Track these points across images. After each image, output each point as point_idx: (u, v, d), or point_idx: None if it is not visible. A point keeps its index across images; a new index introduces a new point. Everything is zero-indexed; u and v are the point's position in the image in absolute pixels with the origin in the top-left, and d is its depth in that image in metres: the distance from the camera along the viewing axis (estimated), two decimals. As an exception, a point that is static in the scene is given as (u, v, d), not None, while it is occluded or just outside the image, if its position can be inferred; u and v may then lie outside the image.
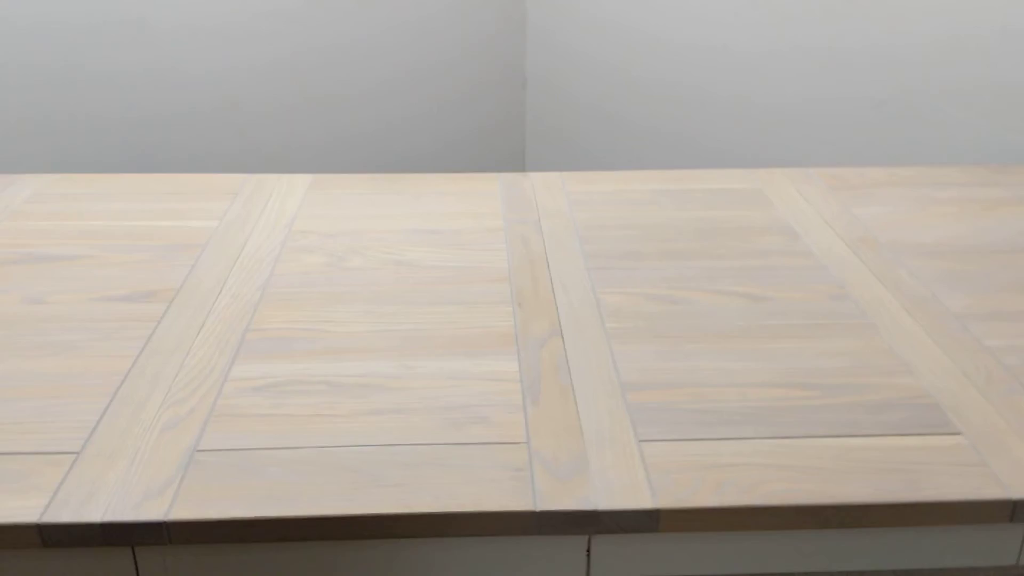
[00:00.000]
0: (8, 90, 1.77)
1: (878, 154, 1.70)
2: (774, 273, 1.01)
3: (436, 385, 0.81)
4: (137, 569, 0.69)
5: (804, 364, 0.84)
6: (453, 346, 0.87)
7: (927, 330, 0.90)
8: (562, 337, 0.89)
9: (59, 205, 1.17)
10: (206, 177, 1.26)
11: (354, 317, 0.92)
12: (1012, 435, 0.75)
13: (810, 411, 0.78)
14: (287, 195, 1.21)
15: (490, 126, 2.37)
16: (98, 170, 1.75)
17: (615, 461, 0.72)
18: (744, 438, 0.74)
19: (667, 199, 1.21)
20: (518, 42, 2.33)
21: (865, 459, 0.72)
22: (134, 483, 0.69)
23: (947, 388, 0.81)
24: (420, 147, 2.26)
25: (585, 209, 1.18)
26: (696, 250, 1.06)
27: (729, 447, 0.73)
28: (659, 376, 0.83)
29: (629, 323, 0.91)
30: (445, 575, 0.71)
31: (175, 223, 1.12)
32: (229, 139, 2.02)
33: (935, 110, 1.62)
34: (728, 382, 0.82)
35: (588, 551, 0.72)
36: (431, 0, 2.17)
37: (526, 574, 0.71)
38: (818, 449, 0.73)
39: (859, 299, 0.96)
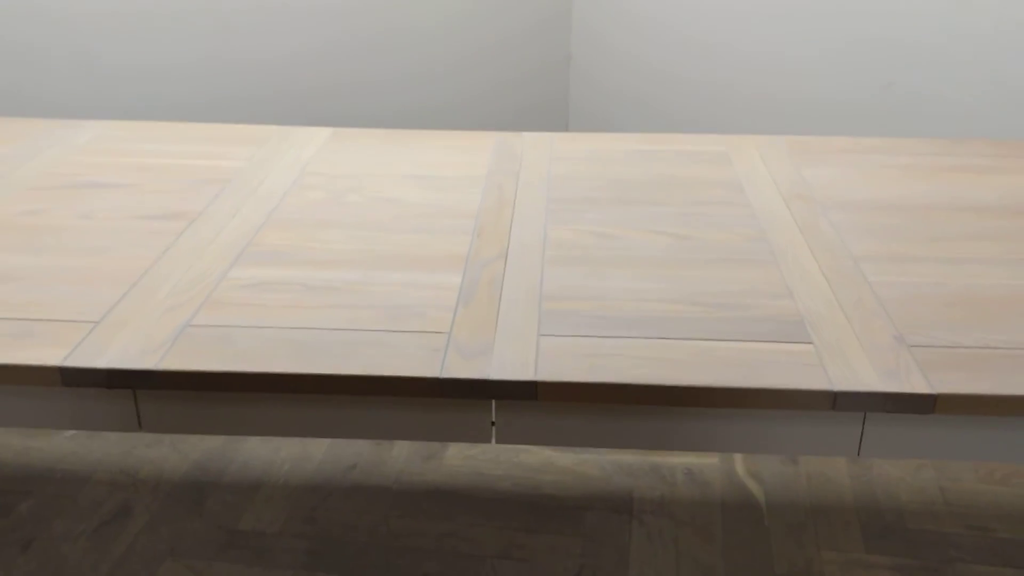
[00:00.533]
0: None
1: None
2: (708, 219, 1.16)
3: (389, 291, 0.99)
4: (137, 409, 0.89)
5: (702, 288, 0.99)
6: (412, 263, 1.05)
7: (821, 267, 1.04)
8: (505, 260, 1.05)
9: (114, 145, 1.38)
10: (240, 127, 1.46)
11: (338, 239, 1.10)
12: (856, 348, 0.89)
13: (692, 322, 0.93)
14: (307, 144, 1.40)
15: (536, 104, 2.54)
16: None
17: (515, 348, 0.88)
18: (628, 337, 0.90)
19: (638, 158, 1.36)
20: (563, 27, 2.49)
21: (721, 357, 0.87)
22: (137, 344, 0.88)
23: (816, 310, 0.95)
24: (467, 125, 2.44)
25: (562, 164, 1.34)
26: (646, 199, 1.22)
27: (612, 343, 0.89)
28: (575, 292, 0.99)
29: (566, 252, 1.07)
30: (367, 433, 0.88)
31: (207, 162, 1.32)
32: (290, 117, 2.23)
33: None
34: (632, 298, 0.97)
35: (493, 421, 0.89)
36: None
37: (443, 435, 0.89)
38: (685, 348, 0.88)
39: (773, 242, 1.10)
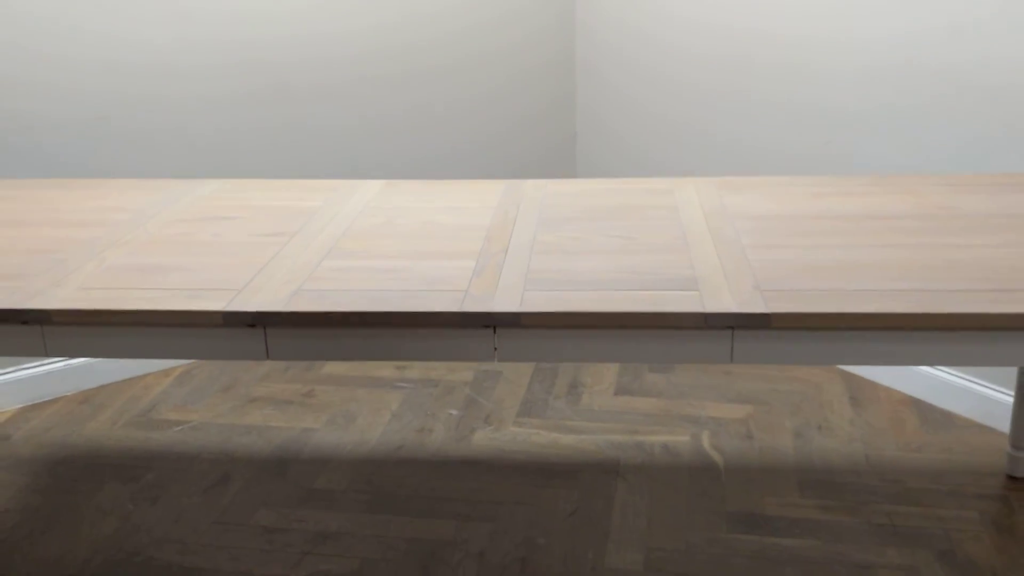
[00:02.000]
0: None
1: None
2: (648, 229, 1.66)
3: (426, 270, 1.49)
4: (266, 344, 1.39)
5: (635, 266, 1.49)
6: (442, 256, 1.55)
7: (718, 253, 1.53)
8: (505, 253, 1.56)
9: (226, 194, 1.92)
10: (321, 181, 2.00)
11: (392, 244, 1.62)
12: (726, 293, 1.38)
13: (624, 281, 1.42)
14: (367, 190, 1.93)
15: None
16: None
17: (509, 298, 1.38)
18: (583, 291, 1.40)
19: (608, 194, 1.87)
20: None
21: (639, 298, 1.36)
22: (267, 300, 1.39)
23: (706, 275, 1.44)
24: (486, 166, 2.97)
25: (552, 198, 1.85)
26: (608, 218, 1.72)
27: (572, 294, 1.39)
28: (551, 269, 1.49)
29: (548, 248, 1.58)
30: (414, 355, 1.38)
31: (295, 203, 1.85)
32: (339, 152, 2.78)
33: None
34: (589, 272, 1.47)
35: (494, 346, 1.38)
36: (502, 73, 2.92)
37: (458, 355, 1.38)
38: (618, 295, 1.38)
39: (690, 239, 1.60)
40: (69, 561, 1.88)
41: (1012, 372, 2.12)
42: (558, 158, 3.21)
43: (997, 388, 2.27)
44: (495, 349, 1.39)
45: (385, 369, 2.64)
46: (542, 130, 3.17)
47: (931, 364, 1.51)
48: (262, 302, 1.39)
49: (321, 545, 1.91)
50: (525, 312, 1.34)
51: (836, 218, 1.68)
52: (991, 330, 1.29)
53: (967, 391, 2.33)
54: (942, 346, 1.31)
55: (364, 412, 2.42)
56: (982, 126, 2.18)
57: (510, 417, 2.39)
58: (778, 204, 1.78)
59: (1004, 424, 2.22)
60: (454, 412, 2.42)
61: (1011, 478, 2.09)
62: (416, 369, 2.64)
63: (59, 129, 2.42)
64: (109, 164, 2.48)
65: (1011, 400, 2.09)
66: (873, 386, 2.50)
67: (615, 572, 1.82)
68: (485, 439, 2.30)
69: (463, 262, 1.53)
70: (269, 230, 1.70)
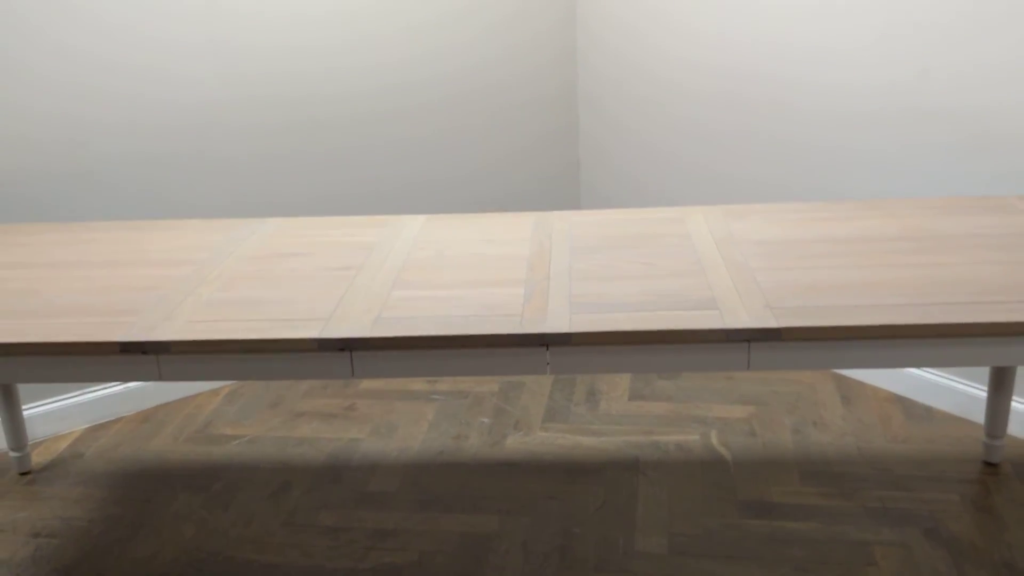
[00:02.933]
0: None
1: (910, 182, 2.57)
2: (665, 255, 1.92)
3: (480, 296, 1.74)
4: (352, 364, 1.64)
5: (660, 289, 1.75)
6: (493, 284, 1.80)
7: (730, 274, 1.79)
8: (548, 279, 1.81)
9: (289, 232, 2.16)
10: (369, 217, 2.24)
11: (445, 275, 1.87)
12: (742, 311, 1.63)
13: (653, 303, 1.68)
14: (413, 225, 2.18)
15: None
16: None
17: (559, 321, 1.63)
18: (619, 312, 1.65)
19: (625, 223, 2.13)
20: (571, 141, 3.30)
21: (668, 317, 1.62)
22: (353, 327, 1.64)
23: (723, 296, 1.70)
24: (497, 192, 3.23)
25: (578, 228, 2.11)
26: (629, 246, 1.98)
27: (609, 315, 1.64)
28: (591, 293, 1.74)
29: (583, 275, 1.83)
30: (478, 371, 1.63)
31: (353, 239, 2.09)
32: (362, 179, 3.03)
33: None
34: (618, 294, 1.72)
35: (547, 361, 1.63)
36: (511, 104, 3.18)
37: (515, 370, 1.63)
38: (649, 315, 1.63)
39: (704, 263, 1.86)
40: (158, 562, 2.11)
41: (986, 370, 2.39)
42: (564, 186, 3.47)
43: (973, 385, 2.54)
44: (547, 364, 1.64)
45: (417, 383, 2.88)
46: (548, 159, 3.43)
47: (918, 366, 1.77)
48: (350, 329, 1.63)
49: (382, 541, 2.15)
50: (575, 332, 1.59)
51: (831, 241, 1.95)
52: (969, 336, 1.55)
53: (947, 388, 2.60)
54: (927, 351, 1.57)
55: (403, 422, 2.67)
56: (946, 157, 2.45)
57: (537, 423, 2.64)
58: (779, 230, 2.04)
59: (980, 416, 2.48)
60: (485, 420, 2.66)
61: (987, 464, 2.36)
62: (446, 382, 2.88)
63: (117, 167, 2.65)
64: (162, 203, 2.72)
65: (985, 395, 2.36)
66: (861, 386, 2.76)
67: (644, 555, 2.07)
68: (516, 443, 2.54)
69: (513, 289, 1.78)
70: (336, 264, 1.94)
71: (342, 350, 1.63)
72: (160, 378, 1.68)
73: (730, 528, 2.15)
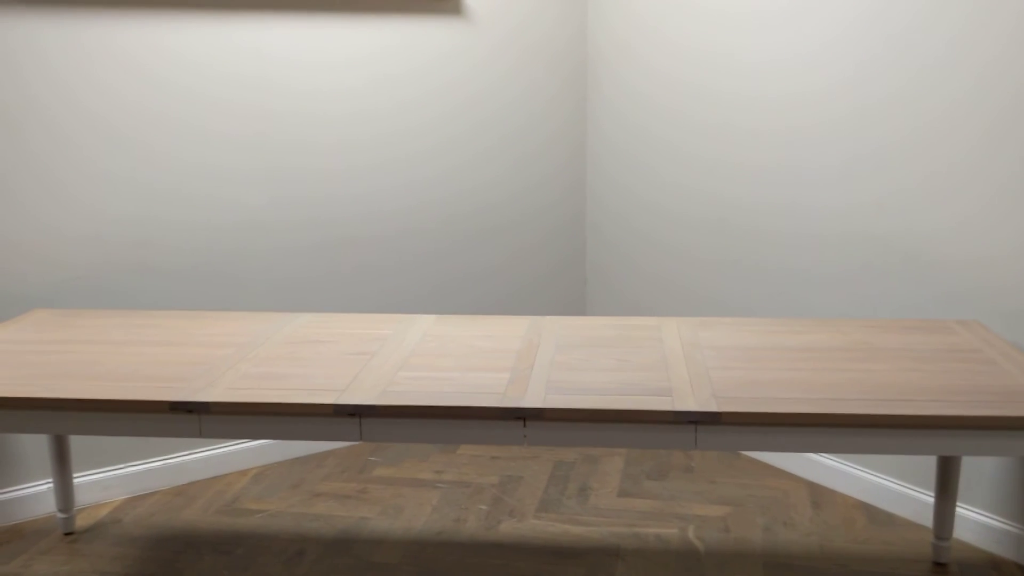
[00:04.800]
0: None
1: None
2: (637, 354, 2.23)
3: (471, 379, 2.06)
4: (361, 429, 1.95)
5: (626, 379, 2.05)
6: (484, 369, 2.12)
7: (688, 370, 2.10)
8: (532, 368, 2.13)
9: (317, 324, 2.51)
10: (387, 315, 2.58)
11: (446, 361, 2.19)
12: (691, 399, 1.93)
13: (617, 390, 1.98)
14: (423, 322, 2.51)
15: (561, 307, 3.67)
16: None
17: (535, 398, 1.94)
18: (589, 395, 1.95)
19: (608, 328, 2.45)
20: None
21: (628, 400, 1.92)
22: (364, 397, 1.95)
23: (678, 386, 2.00)
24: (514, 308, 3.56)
25: (566, 331, 2.43)
26: (608, 346, 2.29)
27: (581, 397, 1.95)
28: (566, 380, 2.05)
29: (562, 366, 2.14)
30: (466, 439, 1.93)
31: (370, 332, 2.43)
32: (389, 288, 3.38)
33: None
34: (592, 383, 2.03)
35: (524, 434, 1.93)
36: (528, 232, 3.56)
37: (498, 440, 1.93)
38: (613, 399, 1.93)
39: (668, 361, 2.16)
40: (182, 611, 2.38)
41: (936, 478, 2.63)
42: (572, 301, 3.82)
43: (932, 494, 2.78)
44: (524, 436, 1.94)
45: (426, 473, 3.17)
46: (559, 278, 3.79)
47: (822, 452, 2.05)
48: (360, 399, 1.95)
49: (381, 602, 2.41)
50: (547, 408, 1.90)
51: (779, 349, 2.25)
52: (867, 427, 1.84)
53: (908, 497, 2.83)
54: (841, 439, 1.85)
55: (410, 505, 2.94)
56: (901, 281, 2.76)
57: (530, 512, 2.90)
58: (739, 338, 2.35)
59: (935, 523, 2.71)
60: (484, 507, 2.93)
61: (936, 564, 2.58)
62: (451, 473, 3.16)
63: (173, 273, 3.03)
64: (212, 299, 3.09)
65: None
66: (832, 492, 3.00)
67: (613, 625, 2.31)
68: (510, 528, 2.80)
69: (500, 374, 2.09)
70: (355, 350, 2.28)
71: (352, 415, 1.94)
72: (200, 435, 2.00)
73: (693, 606, 2.38)
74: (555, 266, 3.79)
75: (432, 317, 2.58)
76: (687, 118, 3.36)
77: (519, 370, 2.12)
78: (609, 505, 2.95)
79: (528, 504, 2.96)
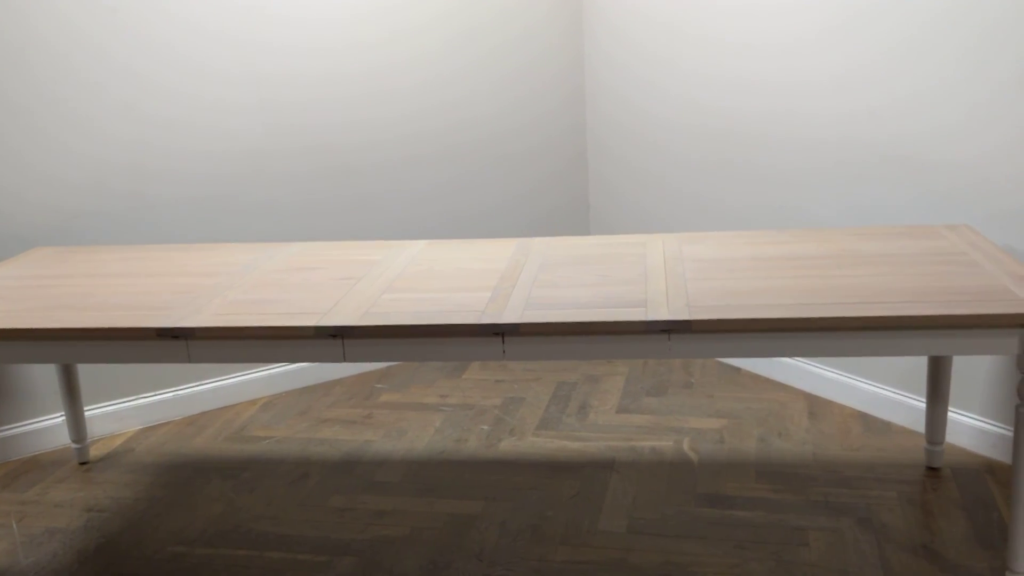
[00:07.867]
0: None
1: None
2: (620, 270, 2.25)
3: (457, 297, 2.09)
4: (344, 350, 1.99)
5: (606, 293, 2.07)
6: (467, 288, 2.15)
7: (666, 283, 2.12)
8: (514, 286, 2.16)
9: (309, 253, 2.55)
10: (379, 241, 2.62)
11: (431, 283, 2.22)
12: (665, 309, 1.96)
13: (594, 302, 2.01)
14: (414, 247, 2.55)
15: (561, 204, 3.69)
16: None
17: (513, 314, 1.97)
18: (568, 308, 1.98)
19: (595, 247, 2.47)
20: (582, 177, 3.67)
21: (603, 312, 1.94)
22: (345, 318, 2.00)
23: (654, 298, 2.02)
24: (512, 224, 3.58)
25: (552, 251, 2.45)
26: (593, 263, 2.31)
27: (560, 311, 1.98)
28: (546, 296, 2.08)
29: (544, 283, 2.17)
30: (449, 357, 1.97)
31: (361, 258, 2.46)
32: (387, 215, 3.41)
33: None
34: (569, 297, 2.06)
35: (503, 349, 1.97)
36: (525, 143, 3.57)
37: (477, 356, 1.97)
38: (591, 311, 1.96)
39: (648, 275, 2.18)
40: (189, 532, 2.47)
41: (928, 384, 2.65)
42: (574, 215, 3.83)
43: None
44: (503, 352, 1.98)
45: (430, 397, 3.23)
46: (559, 191, 3.79)
47: (795, 356, 2.06)
48: (342, 320, 1.99)
49: (380, 519, 2.48)
50: (523, 323, 1.93)
51: (759, 259, 2.26)
52: (843, 330, 1.85)
53: (903, 404, 2.86)
54: (809, 342, 1.87)
55: (413, 428, 3.01)
56: (895, 187, 2.75)
57: (530, 430, 2.96)
58: (721, 251, 2.36)
59: (929, 429, 2.74)
60: (485, 427, 2.99)
61: (929, 468, 2.61)
62: (455, 397, 3.22)
63: (173, 205, 3.08)
64: (211, 232, 3.14)
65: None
66: (829, 403, 3.03)
67: (605, 533, 2.37)
68: (509, 446, 2.87)
69: (482, 293, 2.12)
70: (342, 275, 2.32)
71: (334, 336, 1.99)
72: (189, 360, 2.06)
73: (684, 514, 2.43)
74: (554, 182, 3.79)
75: (422, 242, 2.61)
76: (684, 32, 3.33)
77: (501, 288, 2.15)
78: (607, 421, 3.00)
79: (528, 423, 3.01)
